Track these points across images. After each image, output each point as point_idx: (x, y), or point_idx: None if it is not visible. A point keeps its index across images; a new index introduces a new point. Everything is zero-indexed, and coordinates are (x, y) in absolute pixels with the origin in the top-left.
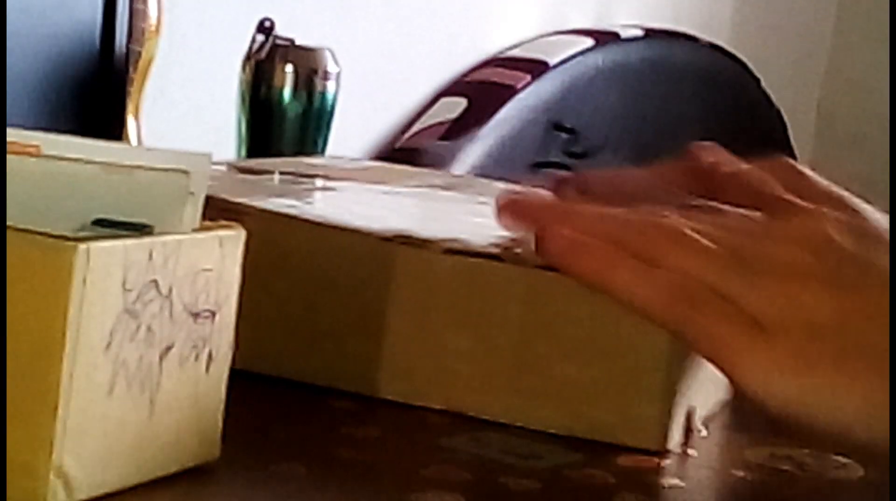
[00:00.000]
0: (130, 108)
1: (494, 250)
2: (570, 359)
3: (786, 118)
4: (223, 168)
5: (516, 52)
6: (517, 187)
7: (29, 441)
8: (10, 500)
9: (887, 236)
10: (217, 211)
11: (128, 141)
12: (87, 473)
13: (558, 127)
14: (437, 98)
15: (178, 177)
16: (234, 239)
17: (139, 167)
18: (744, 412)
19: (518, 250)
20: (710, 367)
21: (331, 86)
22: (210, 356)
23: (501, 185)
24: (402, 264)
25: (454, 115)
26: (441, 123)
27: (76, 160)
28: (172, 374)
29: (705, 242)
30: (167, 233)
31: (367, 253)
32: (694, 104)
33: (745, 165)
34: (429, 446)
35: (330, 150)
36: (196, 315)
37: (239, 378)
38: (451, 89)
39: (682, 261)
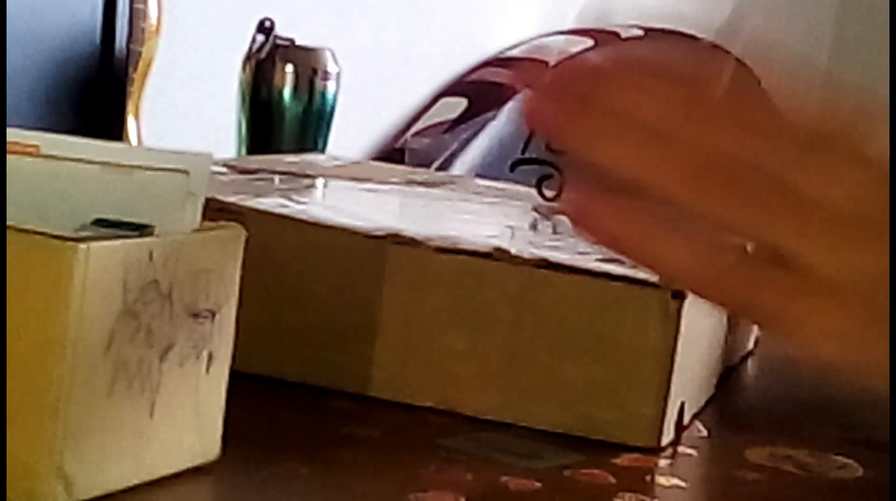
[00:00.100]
0: (130, 108)
1: (486, 249)
2: (563, 356)
3: None
4: (223, 168)
5: (516, 52)
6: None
7: (29, 441)
8: (10, 500)
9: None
10: (212, 212)
11: (128, 141)
12: (87, 473)
13: None
14: (437, 98)
15: (178, 177)
16: (234, 239)
17: (139, 167)
18: (744, 412)
19: (512, 251)
20: (700, 363)
21: (331, 86)
22: (210, 356)
23: (488, 183)
24: (394, 262)
25: (454, 115)
26: (441, 123)
27: (76, 160)
28: (172, 374)
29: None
30: (167, 233)
31: (361, 252)
32: None
33: None
34: (429, 446)
35: (330, 150)
36: (196, 315)
37: (239, 378)
38: (451, 89)
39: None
